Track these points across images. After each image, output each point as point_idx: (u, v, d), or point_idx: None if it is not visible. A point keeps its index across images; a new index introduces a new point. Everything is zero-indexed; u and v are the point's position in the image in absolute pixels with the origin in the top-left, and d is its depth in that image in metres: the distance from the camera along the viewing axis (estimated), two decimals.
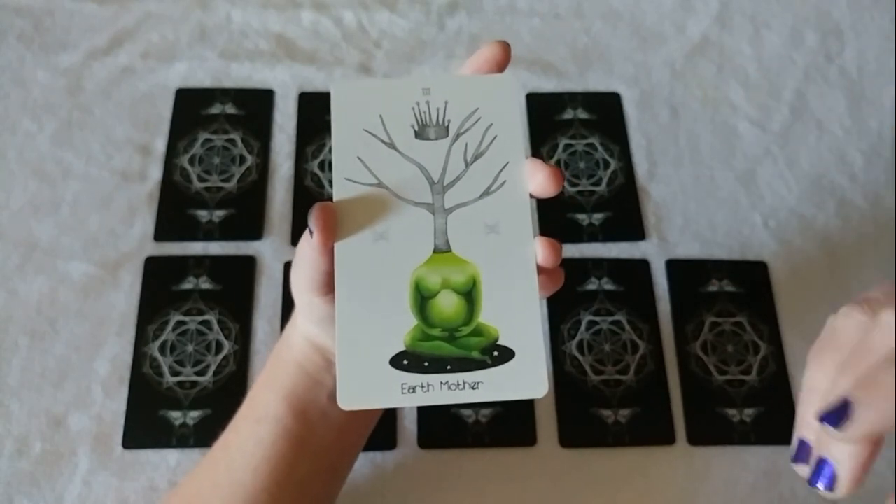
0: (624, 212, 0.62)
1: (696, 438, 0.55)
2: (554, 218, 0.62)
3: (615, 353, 0.57)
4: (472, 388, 0.32)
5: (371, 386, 0.32)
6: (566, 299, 0.59)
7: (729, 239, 0.62)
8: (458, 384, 0.32)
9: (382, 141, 0.35)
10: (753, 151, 0.66)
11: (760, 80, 0.69)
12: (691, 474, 0.54)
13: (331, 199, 0.34)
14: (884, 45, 0.71)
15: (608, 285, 0.59)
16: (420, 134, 0.35)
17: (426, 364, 0.33)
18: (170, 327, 0.56)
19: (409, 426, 0.54)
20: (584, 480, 0.53)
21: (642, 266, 0.60)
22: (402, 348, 0.33)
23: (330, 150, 0.37)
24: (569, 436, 0.55)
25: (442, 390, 0.32)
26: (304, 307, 0.39)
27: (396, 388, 0.32)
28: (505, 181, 0.35)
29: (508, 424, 0.55)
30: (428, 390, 0.32)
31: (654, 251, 0.61)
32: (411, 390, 0.32)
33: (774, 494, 0.54)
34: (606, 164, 0.64)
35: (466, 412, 0.55)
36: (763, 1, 0.73)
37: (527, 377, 0.33)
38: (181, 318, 0.57)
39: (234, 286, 0.58)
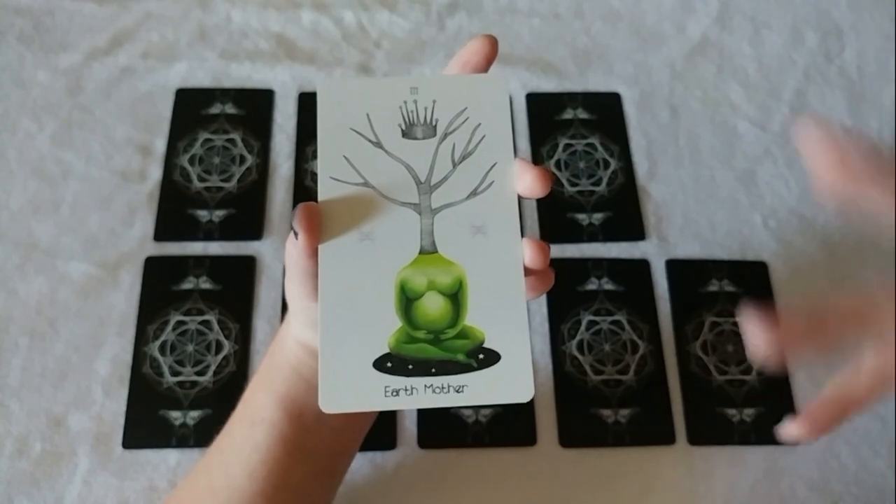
0: (624, 212, 0.62)
1: (696, 438, 0.55)
2: (554, 218, 0.62)
3: (615, 353, 0.57)
4: (457, 391, 0.32)
5: (353, 388, 0.32)
6: (566, 299, 0.59)
7: (729, 239, 0.62)
8: (443, 387, 0.32)
9: (369, 140, 0.35)
10: (753, 151, 0.66)
11: (760, 80, 0.69)
12: (691, 474, 0.54)
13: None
14: (884, 45, 0.71)
15: (608, 285, 0.59)
16: (407, 133, 0.35)
17: (410, 367, 0.32)
18: (170, 327, 0.56)
19: (409, 426, 0.54)
20: (584, 480, 0.53)
21: (642, 266, 0.60)
22: (386, 350, 0.32)
23: None
24: (569, 436, 0.54)
25: (426, 394, 0.32)
26: (298, 312, 0.39)
27: (379, 391, 0.31)
28: (493, 182, 0.34)
29: (508, 424, 0.55)
30: (412, 393, 0.31)
31: (654, 251, 0.61)
32: (394, 393, 0.31)
33: (774, 494, 0.54)
34: (606, 164, 0.64)
35: (466, 412, 0.55)
36: (763, 1, 0.73)
37: (512, 381, 0.32)
38: (181, 318, 0.57)
39: (234, 286, 0.58)
